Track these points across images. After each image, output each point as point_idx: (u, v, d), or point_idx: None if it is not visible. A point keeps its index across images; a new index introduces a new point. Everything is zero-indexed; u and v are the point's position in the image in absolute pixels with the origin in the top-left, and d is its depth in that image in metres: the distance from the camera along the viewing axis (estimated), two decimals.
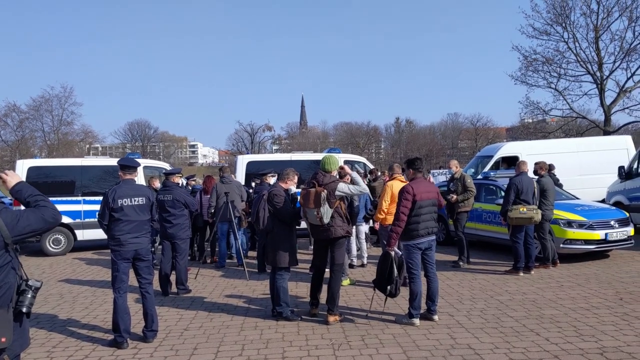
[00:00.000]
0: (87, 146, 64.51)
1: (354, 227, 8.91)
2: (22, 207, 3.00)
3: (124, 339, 5.25)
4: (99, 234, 11.32)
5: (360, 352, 4.95)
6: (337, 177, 6.17)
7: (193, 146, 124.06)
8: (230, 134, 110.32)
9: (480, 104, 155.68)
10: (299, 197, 6.09)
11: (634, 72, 25.61)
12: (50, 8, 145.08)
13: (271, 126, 77.67)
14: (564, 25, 26.71)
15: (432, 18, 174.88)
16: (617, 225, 9.28)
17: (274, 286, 6.17)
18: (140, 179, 12.23)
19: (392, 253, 5.72)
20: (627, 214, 9.96)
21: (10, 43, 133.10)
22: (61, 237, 12.29)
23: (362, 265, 9.42)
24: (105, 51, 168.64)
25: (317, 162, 14.77)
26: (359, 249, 9.51)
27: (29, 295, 2.85)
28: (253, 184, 11.20)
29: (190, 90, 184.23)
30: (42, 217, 2.87)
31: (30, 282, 2.87)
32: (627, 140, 16.25)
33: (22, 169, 12.23)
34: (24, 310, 2.81)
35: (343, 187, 5.85)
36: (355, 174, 6.09)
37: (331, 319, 5.89)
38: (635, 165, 12.81)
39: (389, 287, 5.65)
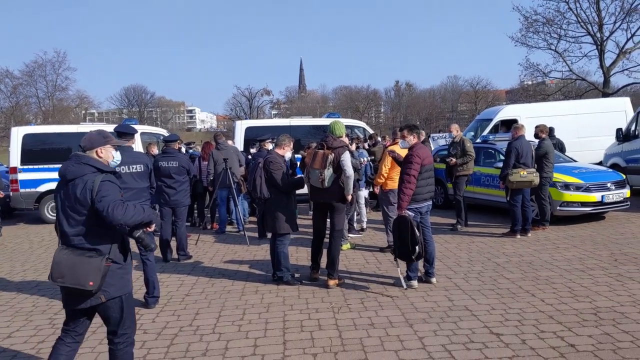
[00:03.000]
0: (83, 112, 64.03)
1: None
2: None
3: None
4: None
5: (359, 315, 5.05)
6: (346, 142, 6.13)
7: (191, 111, 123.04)
8: (228, 99, 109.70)
9: (480, 66, 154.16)
10: (298, 163, 6.10)
11: (634, 33, 25.35)
12: None
13: (269, 90, 77.13)
14: None
15: None
16: (613, 188, 9.33)
17: (275, 252, 6.24)
18: (137, 145, 12.17)
19: (407, 215, 5.66)
20: (624, 176, 10.00)
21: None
22: None
23: (362, 230, 9.49)
24: (98, 13, 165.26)
25: (316, 127, 14.75)
26: (358, 213, 9.56)
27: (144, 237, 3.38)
28: (252, 150, 11.16)
29: (187, 54, 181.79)
30: (120, 201, 3.15)
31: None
32: (625, 103, 16.16)
33: (17, 136, 12.16)
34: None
35: (346, 158, 5.82)
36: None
37: (331, 282, 5.98)
38: (633, 128, 12.81)
39: (417, 248, 5.47)
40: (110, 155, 3.47)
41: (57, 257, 3.18)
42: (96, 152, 3.36)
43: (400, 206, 5.75)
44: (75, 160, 3.28)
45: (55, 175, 11.93)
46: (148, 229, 3.39)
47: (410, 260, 5.71)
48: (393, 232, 5.86)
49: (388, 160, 7.44)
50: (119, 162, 3.65)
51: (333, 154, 5.76)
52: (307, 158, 5.93)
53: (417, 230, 5.56)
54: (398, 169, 7.41)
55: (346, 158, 5.82)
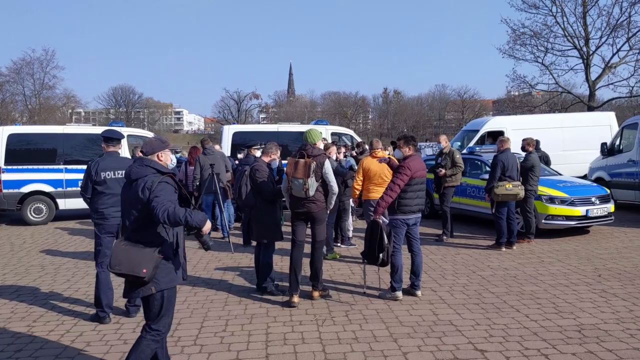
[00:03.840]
0: (70, 111, 63.28)
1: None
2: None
3: (106, 314, 5.22)
4: (81, 203, 11.12)
5: (343, 328, 5.00)
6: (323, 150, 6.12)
7: (178, 113, 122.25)
8: (216, 101, 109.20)
9: (468, 76, 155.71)
10: (285, 168, 6.00)
11: (620, 48, 25.72)
12: None
13: (258, 94, 76.84)
14: None
15: None
16: (597, 202, 9.42)
17: (259, 261, 6.17)
18: (124, 148, 12.02)
19: (380, 221, 5.72)
20: (608, 191, 10.11)
21: None
22: (42, 206, 12.12)
23: (349, 239, 9.42)
24: (88, 13, 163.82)
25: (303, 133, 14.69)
26: (344, 221, 9.49)
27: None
28: (239, 156, 11.09)
29: (176, 55, 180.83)
30: (170, 204, 3.39)
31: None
32: (610, 117, 16.40)
33: (1, 136, 11.96)
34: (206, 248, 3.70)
35: (329, 168, 5.77)
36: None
37: (316, 294, 5.90)
38: (617, 142, 12.97)
39: (381, 255, 5.61)
40: (169, 159, 3.85)
41: (115, 247, 3.53)
42: (157, 155, 3.73)
43: (375, 211, 5.81)
44: (139, 163, 3.68)
45: (39, 176, 11.75)
46: (202, 231, 3.55)
47: (375, 264, 5.83)
48: (365, 235, 5.93)
49: (360, 174, 7.60)
50: (174, 164, 3.84)
51: (315, 162, 5.66)
52: (287, 168, 5.82)
53: (386, 238, 5.65)
54: (374, 181, 7.52)
55: (328, 169, 5.74)
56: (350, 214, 9.56)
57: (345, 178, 8.48)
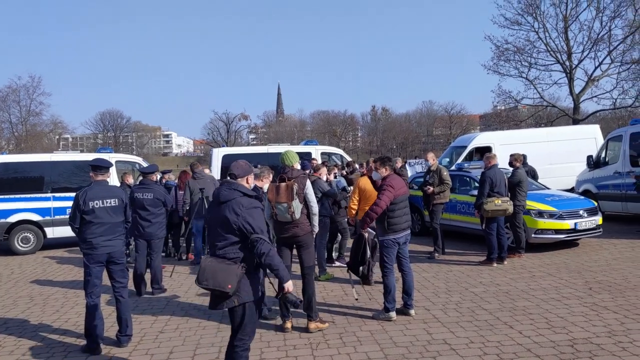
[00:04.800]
0: (57, 137, 62.97)
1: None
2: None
3: (97, 344, 5.15)
4: (69, 231, 11.01)
5: (338, 351, 4.97)
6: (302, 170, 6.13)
7: (167, 136, 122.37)
8: (205, 123, 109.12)
9: (455, 92, 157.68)
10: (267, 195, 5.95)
11: (602, 61, 26.26)
12: None
13: (247, 115, 77.29)
14: (534, 15, 27.16)
15: (407, 7, 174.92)
16: (586, 215, 9.50)
17: None
18: (112, 175, 11.97)
19: (366, 235, 5.80)
20: (596, 203, 10.21)
21: None
22: (30, 235, 11.97)
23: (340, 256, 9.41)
24: (74, 39, 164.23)
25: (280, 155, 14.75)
26: (337, 241, 9.49)
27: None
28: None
29: (163, 78, 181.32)
30: (269, 245, 3.70)
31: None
32: (595, 130, 16.67)
33: None
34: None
35: (309, 186, 5.76)
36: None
37: (312, 326, 5.57)
38: (603, 155, 13.16)
39: (361, 269, 5.76)
40: (253, 182, 4.13)
41: (203, 264, 3.77)
42: (246, 179, 3.97)
43: (361, 226, 5.97)
44: (227, 187, 3.89)
45: (27, 205, 11.65)
46: (287, 289, 3.74)
47: (358, 276, 6.12)
48: (351, 247, 6.10)
49: (356, 194, 7.61)
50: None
51: (296, 184, 5.58)
52: (269, 194, 5.69)
53: (368, 252, 5.82)
54: (369, 201, 7.53)
55: (309, 189, 5.72)
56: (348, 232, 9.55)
57: (337, 199, 8.49)
